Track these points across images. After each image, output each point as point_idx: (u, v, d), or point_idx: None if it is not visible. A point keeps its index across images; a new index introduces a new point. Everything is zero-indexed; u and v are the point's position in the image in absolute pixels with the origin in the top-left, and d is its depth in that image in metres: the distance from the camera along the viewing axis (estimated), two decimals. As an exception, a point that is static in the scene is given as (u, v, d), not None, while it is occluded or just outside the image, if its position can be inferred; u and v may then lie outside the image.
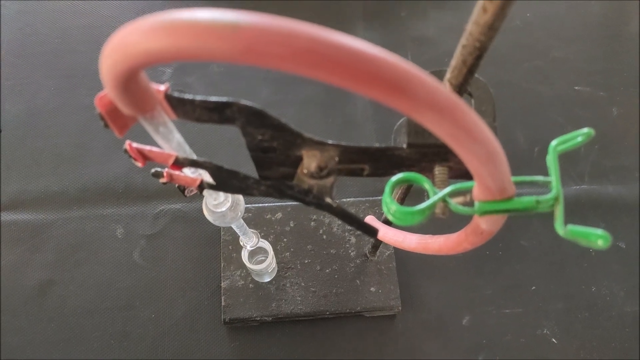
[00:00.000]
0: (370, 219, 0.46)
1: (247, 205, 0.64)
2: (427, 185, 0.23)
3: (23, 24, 0.76)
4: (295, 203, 0.66)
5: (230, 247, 0.62)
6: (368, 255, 0.62)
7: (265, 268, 0.54)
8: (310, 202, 0.25)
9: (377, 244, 0.57)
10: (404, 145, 0.25)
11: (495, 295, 0.64)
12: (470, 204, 0.23)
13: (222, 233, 0.62)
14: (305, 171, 0.24)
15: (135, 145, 0.25)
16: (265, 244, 0.53)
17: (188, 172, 0.27)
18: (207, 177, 0.27)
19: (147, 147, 0.25)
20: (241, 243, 0.48)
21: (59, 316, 0.61)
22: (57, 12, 0.77)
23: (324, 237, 0.63)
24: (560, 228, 0.21)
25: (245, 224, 0.42)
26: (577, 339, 0.62)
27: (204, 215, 0.63)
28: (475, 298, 0.64)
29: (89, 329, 0.60)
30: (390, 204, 0.22)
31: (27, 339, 0.59)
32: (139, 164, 0.25)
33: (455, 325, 0.62)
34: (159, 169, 0.28)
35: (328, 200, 0.24)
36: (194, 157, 0.25)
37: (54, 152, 0.69)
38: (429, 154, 0.25)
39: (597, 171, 0.71)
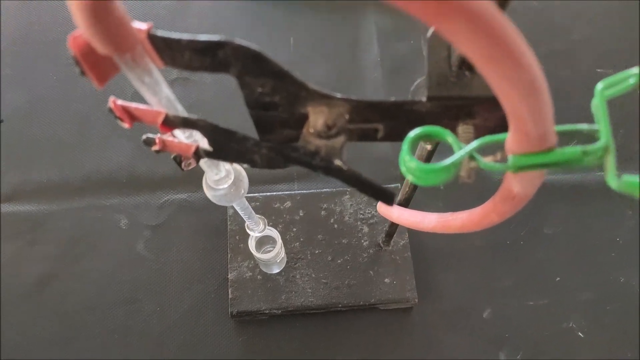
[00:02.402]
0: (381, 204, 0.43)
1: (255, 194, 0.61)
2: (450, 139, 0.20)
3: (25, 12, 0.74)
4: (305, 191, 0.64)
5: (237, 237, 0.59)
6: (382, 244, 0.58)
7: (274, 258, 0.51)
8: (317, 166, 0.22)
9: (392, 231, 0.54)
10: (424, 99, 0.22)
11: (517, 286, 0.60)
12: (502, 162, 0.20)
13: (229, 223, 0.60)
14: (311, 130, 0.21)
15: (120, 102, 0.22)
16: (273, 232, 0.50)
17: (182, 137, 0.24)
18: (204, 144, 0.24)
19: (133, 104, 0.22)
20: (247, 230, 0.45)
21: (59, 311, 0.58)
22: (59, 0, 0.75)
23: (335, 226, 0.60)
24: (613, 180, 0.17)
25: (250, 207, 0.39)
26: (605, 332, 0.58)
27: (210, 205, 0.61)
28: (496, 289, 0.60)
29: (90, 325, 0.58)
30: (409, 161, 0.19)
31: (26, 336, 0.57)
32: (126, 125, 0.23)
33: (476, 317, 0.59)
34: (150, 135, 0.25)
35: (337, 162, 0.21)
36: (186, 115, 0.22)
37: (55, 141, 0.66)
38: (452, 109, 0.22)
39: (623, 155, 0.67)
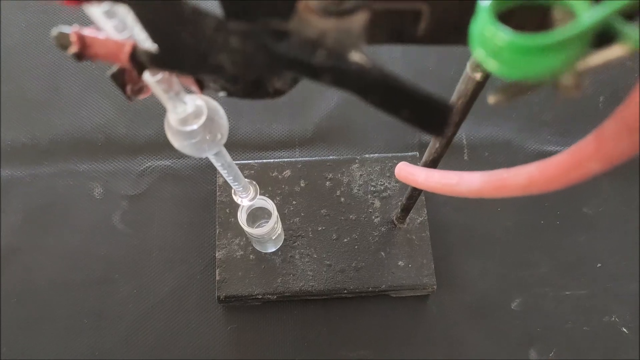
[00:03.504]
0: (403, 165, 0.34)
1: (248, 161, 0.53)
2: None
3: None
4: (308, 158, 0.55)
5: (227, 210, 0.51)
6: (396, 222, 0.50)
7: (268, 234, 0.43)
8: (321, 65, 0.13)
9: (409, 205, 0.45)
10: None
11: (552, 273, 0.52)
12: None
13: (218, 194, 0.51)
14: (311, 3, 0.13)
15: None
16: (268, 203, 0.42)
17: (111, 29, 0.16)
18: (146, 43, 0.16)
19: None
20: (235, 199, 0.37)
21: (22, 290, 0.50)
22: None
23: (342, 199, 0.51)
24: None
25: (234, 164, 0.30)
26: (653, 328, 0.50)
27: (198, 173, 0.52)
28: (527, 277, 0.52)
29: (57, 306, 0.50)
30: (496, 32, 0.10)
31: (-18, 316, 0.49)
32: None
33: (503, 309, 0.51)
34: (65, 29, 0.16)
35: (355, 56, 0.13)
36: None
37: (22, 97, 0.58)
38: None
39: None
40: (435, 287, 0.48)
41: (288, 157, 0.55)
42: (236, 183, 0.32)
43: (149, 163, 0.56)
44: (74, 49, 0.16)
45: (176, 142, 0.24)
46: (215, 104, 0.24)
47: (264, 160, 0.53)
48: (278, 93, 0.20)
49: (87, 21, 0.60)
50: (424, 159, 0.33)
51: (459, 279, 0.51)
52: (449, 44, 0.15)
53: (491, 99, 0.15)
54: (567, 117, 0.58)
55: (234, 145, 0.56)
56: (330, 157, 0.54)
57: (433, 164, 0.31)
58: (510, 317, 0.50)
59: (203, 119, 0.23)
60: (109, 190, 0.54)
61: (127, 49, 0.16)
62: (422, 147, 0.57)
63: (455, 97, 0.25)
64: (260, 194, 0.39)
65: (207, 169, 0.55)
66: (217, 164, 0.29)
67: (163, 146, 0.56)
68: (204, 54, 0.15)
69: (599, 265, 0.52)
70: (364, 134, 0.58)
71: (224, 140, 0.25)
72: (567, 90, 0.13)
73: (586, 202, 0.55)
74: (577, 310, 0.51)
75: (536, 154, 0.56)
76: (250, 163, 0.53)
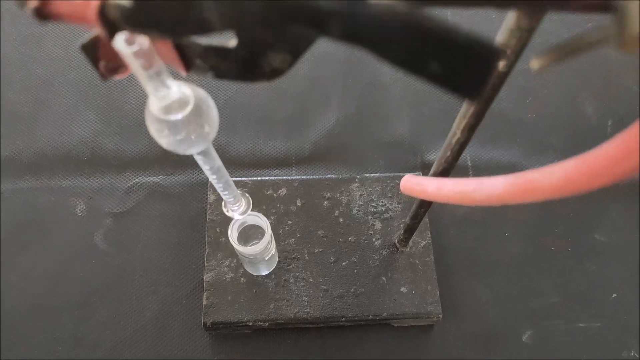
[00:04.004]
0: (409, 176, 0.31)
1: (242, 179, 0.50)
2: None
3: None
4: (304, 177, 0.51)
5: (218, 229, 0.47)
6: (398, 245, 0.47)
7: (261, 253, 0.40)
8: (329, 11, 0.10)
9: (413, 226, 0.42)
10: None
11: (565, 304, 0.48)
12: None
13: (209, 212, 0.48)
14: None
15: None
16: (262, 220, 0.39)
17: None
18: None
19: None
20: (225, 211, 0.34)
21: (-8, 313, 0.46)
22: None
23: (341, 220, 0.48)
24: None
25: (224, 168, 0.27)
26: (674, 365, 0.46)
27: (188, 191, 0.49)
28: (538, 307, 0.48)
29: (30, 331, 0.46)
30: None
31: (-55, 341, 0.45)
32: None
33: (513, 342, 0.47)
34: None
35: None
36: None
37: (8, 109, 0.55)
38: None
39: None
40: (440, 316, 0.45)
41: (283, 176, 0.53)
42: (226, 192, 0.29)
43: (136, 179, 0.52)
44: (33, 2, 0.13)
45: (156, 133, 0.21)
46: (203, 92, 0.21)
47: (259, 178, 0.50)
48: (275, 73, 0.17)
49: (80, 35, 0.57)
50: (432, 170, 0.31)
51: (465, 307, 0.48)
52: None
53: (535, 63, 0.13)
54: (573, 141, 0.56)
55: (227, 162, 0.53)
56: (329, 175, 0.51)
57: (444, 172, 0.29)
58: (521, 350, 0.47)
59: (189, 109, 0.20)
60: (92, 207, 0.51)
61: (95, 3, 0.13)
62: (425, 168, 0.54)
63: (443, 151, 0.23)
64: (253, 212, 0.36)
65: (198, 187, 0.52)
66: (205, 167, 0.26)
67: (152, 162, 0.53)
68: (186, 9, 0.12)
69: (613, 295, 0.49)
70: (363, 154, 0.55)
71: (212, 135, 0.22)
72: (633, 43, 0.10)
73: (598, 228, 0.52)
74: (592, 344, 0.47)
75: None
76: (243, 180, 0.50)
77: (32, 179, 0.52)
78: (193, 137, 0.21)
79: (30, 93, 0.56)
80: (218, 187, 0.29)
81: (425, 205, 0.36)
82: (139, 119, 0.55)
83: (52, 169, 0.53)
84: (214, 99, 0.54)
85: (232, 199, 0.31)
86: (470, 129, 0.24)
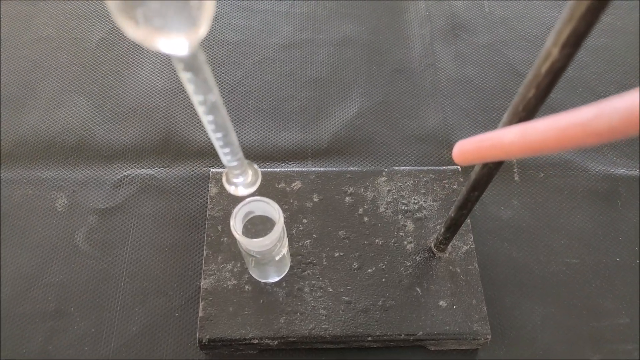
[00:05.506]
0: (463, 141, 0.24)
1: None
2: None
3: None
4: (323, 169, 0.44)
5: (219, 227, 0.40)
6: (434, 249, 0.39)
7: (270, 251, 0.32)
8: None
9: (459, 222, 0.34)
10: None
11: (635, 325, 0.40)
12: None
13: (209, 207, 0.41)
14: None
15: None
16: (272, 207, 0.31)
17: None
18: None
19: None
20: (227, 186, 0.26)
21: (-53, 322, 0.39)
22: None
23: (365, 219, 0.41)
24: None
25: (228, 118, 0.20)
26: None
27: (186, 186, 0.43)
28: (603, 328, 0.40)
29: (-9, 345, 0.38)
30: None
31: None
32: None
33: (576, 371, 0.38)
34: None
35: None
36: None
37: (-13, 91, 0.49)
38: None
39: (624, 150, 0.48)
40: (489, 337, 0.36)
41: (298, 167, 0.45)
42: (227, 150, 0.22)
43: (127, 171, 0.45)
44: None
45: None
46: None
47: (268, 169, 0.43)
48: None
49: (73, 15, 0.52)
50: (499, 126, 0.23)
51: (516, 328, 0.40)
52: None
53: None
54: (633, 137, 0.49)
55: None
56: (351, 167, 0.44)
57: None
58: (585, 383, 0.38)
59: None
60: (74, 201, 0.44)
61: None
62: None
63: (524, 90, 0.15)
64: (262, 197, 0.29)
65: (198, 181, 0.45)
66: (196, 99, 0.18)
67: (147, 152, 0.46)
68: None
69: (695, 317, 0.40)
70: (389, 148, 0.48)
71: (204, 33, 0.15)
72: None
73: (670, 237, 0.43)
74: (673, 376, 0.38)
75: (602, 176, 0.46)
76: (251, 173, 0.42)
77: (9, 170, 0.45)
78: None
79: (16, 76, 0.50)
80: (216, 138, 0.21)
81: (481, 185, 0.28)
82: (136, 107, 0.48)
83: (32, 158, 0.46)
84: (219, 82, 0.47)
85: (235, 163, 0.23)
86: (576, 42, 0.16)
